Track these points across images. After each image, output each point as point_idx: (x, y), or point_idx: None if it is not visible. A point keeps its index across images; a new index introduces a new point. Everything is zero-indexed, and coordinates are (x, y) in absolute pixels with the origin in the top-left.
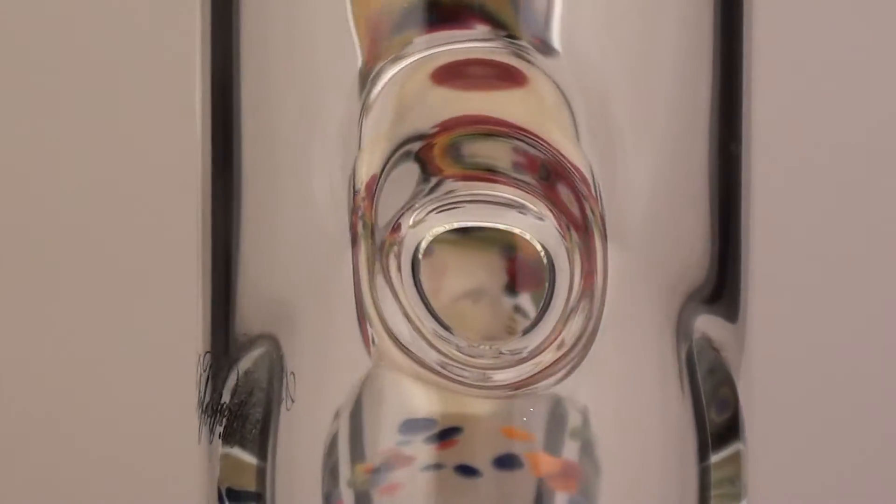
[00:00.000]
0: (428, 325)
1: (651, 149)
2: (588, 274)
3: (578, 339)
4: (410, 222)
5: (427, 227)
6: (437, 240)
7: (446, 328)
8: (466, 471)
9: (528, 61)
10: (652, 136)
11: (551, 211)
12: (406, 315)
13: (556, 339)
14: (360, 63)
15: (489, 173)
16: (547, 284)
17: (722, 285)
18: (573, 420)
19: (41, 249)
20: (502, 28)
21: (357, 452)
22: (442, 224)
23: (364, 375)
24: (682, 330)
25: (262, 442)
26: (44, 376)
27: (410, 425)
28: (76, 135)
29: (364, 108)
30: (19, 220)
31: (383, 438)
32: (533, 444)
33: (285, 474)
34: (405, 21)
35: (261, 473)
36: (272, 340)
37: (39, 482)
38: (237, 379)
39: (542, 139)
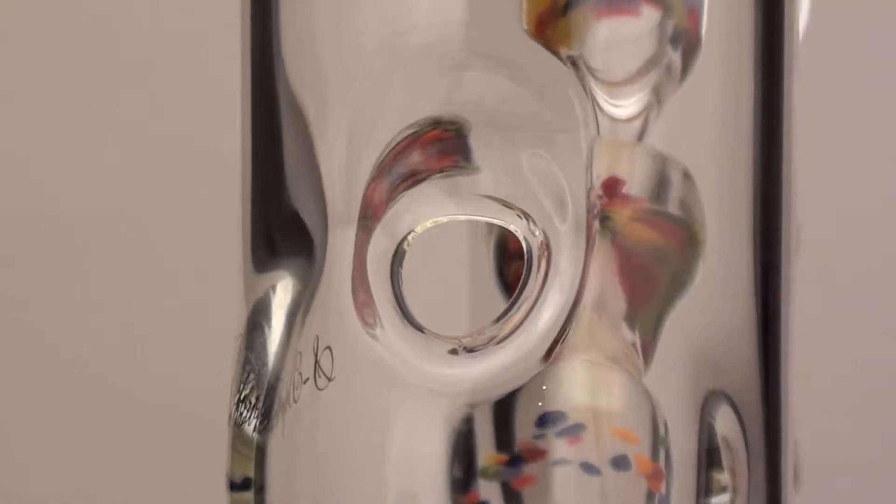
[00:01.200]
0: (397, 320)
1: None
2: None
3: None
4: (393, 210)
5: (411, 218)
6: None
7: (419, 328)
8: (589, 468)
9: None
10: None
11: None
12: (374, 305)
13: (517, 330)
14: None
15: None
16: (524, 275)
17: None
18: (661, 428)
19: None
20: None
21: (496, 442)
22: (432, 217)
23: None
24: (705, 413)
25: (267, 425)
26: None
27: (546, 418)
28: (100, 131)
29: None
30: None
31: (521, 431)
32: (638, 446)
33: (308, 460)
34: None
35: (261, 458)
36: (292, 318)
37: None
38: (255, 359)
39: None
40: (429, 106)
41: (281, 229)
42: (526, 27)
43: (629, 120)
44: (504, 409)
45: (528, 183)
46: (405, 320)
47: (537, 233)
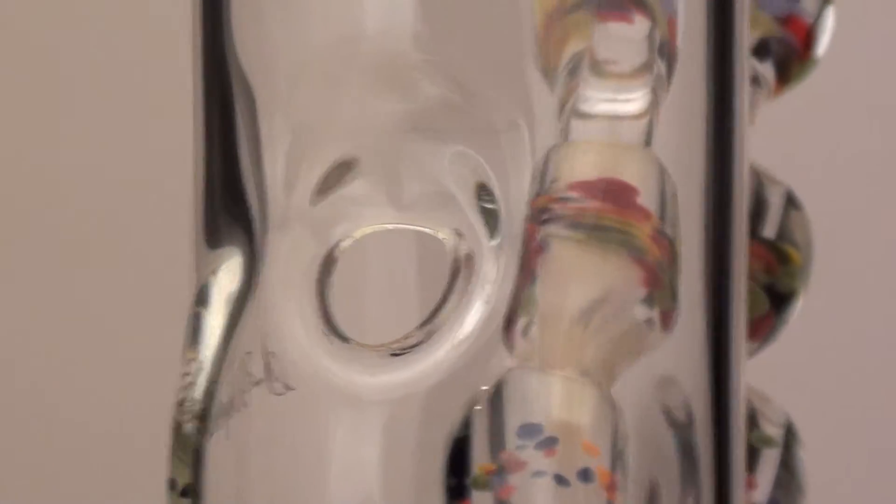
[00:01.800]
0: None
1: None
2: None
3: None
4: (321, 217)
5: (340, 226)
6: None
7: (343, 338)
8: (561, 481)
9: None
10: None
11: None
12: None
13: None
14: None
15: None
16: (449, 281)
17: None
18: (621, 440)
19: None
20: None
21: (489, 450)
22: (362, 225)
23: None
24: None
25: (205, 429)
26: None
27: (525, 430)
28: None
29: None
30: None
31: (507, 440)
32: (600, 458)
33: (261, 465)
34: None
35: (198, 463)
36: (234, 316)
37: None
38: (192, 360)
39: None
40: (370, 121)
41: (231, 200)
42: (536, 24)
43: (638, 116)
44: (493, 420)
45: (457, 192)
46: (329, 330)
47: (463, 245)
